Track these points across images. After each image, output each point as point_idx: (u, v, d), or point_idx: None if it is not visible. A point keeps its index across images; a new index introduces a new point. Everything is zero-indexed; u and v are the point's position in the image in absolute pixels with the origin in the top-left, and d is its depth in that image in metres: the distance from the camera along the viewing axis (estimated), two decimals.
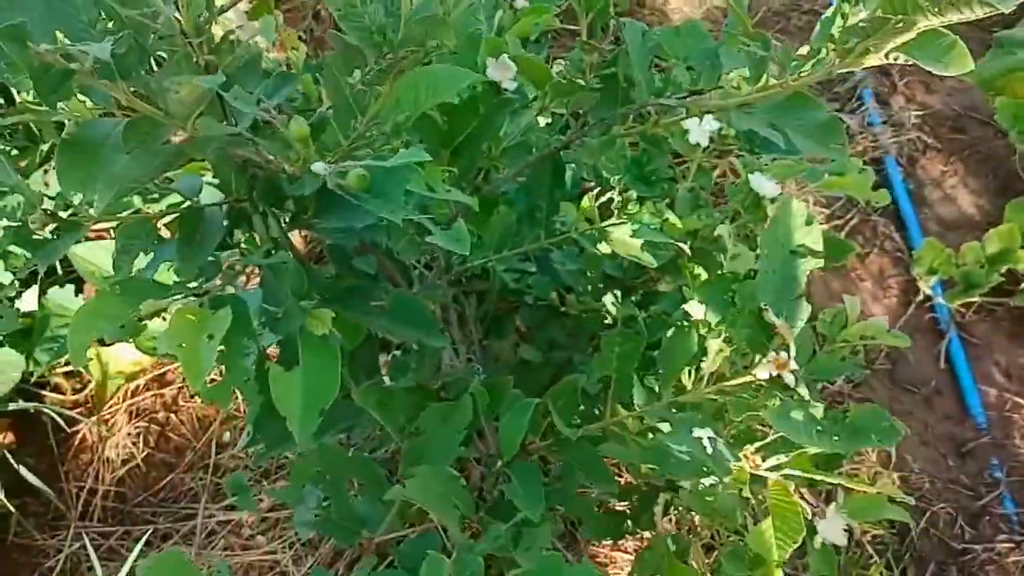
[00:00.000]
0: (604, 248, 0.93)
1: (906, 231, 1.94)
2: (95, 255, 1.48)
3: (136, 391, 1.60)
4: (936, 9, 0.55)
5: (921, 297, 1.79)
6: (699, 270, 0.88)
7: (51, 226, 0.63)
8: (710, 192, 1.12)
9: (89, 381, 1.59)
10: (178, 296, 0.61)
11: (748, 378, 0.62)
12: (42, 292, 1.53)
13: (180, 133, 0.60)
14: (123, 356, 1.58)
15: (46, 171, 1.67)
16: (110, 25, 0.59)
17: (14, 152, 1.80)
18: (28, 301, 1.51)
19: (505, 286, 1.11)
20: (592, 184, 1.06)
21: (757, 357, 0.62)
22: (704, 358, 0.65)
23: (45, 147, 1.78)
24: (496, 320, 1.17)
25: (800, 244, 0.65)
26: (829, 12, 0.65)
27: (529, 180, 0.92)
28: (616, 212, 1.00)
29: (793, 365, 0.59)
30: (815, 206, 1.99)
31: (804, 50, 0.72)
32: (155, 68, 0.63)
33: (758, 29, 0.75)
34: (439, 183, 0.63)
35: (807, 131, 0.64)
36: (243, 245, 0.74)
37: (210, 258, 0.67)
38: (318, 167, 0.48)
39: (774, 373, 0.59)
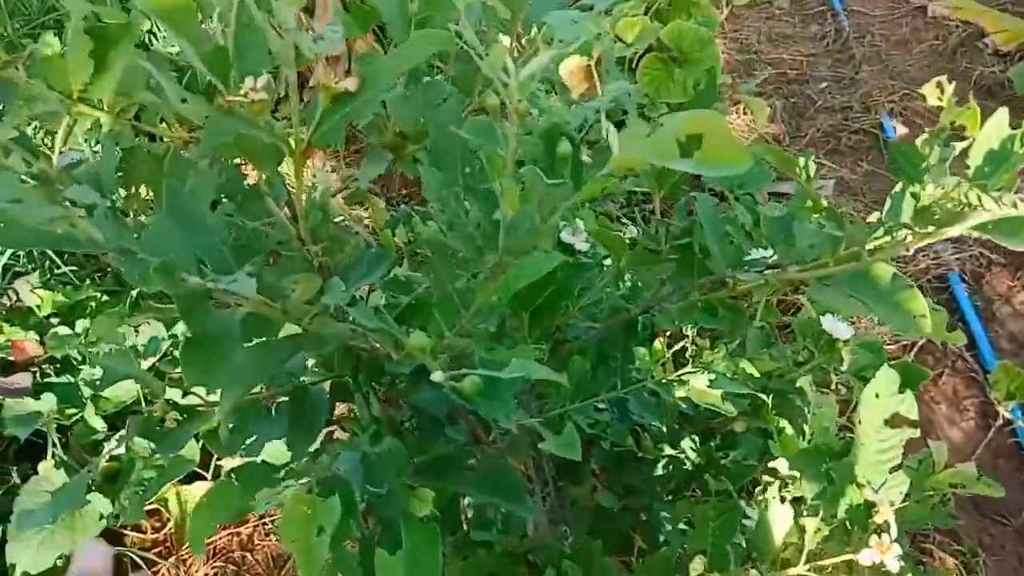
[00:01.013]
0: (680, 394, 0.95)
1: (977, 350, 1.90)
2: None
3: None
4: (999, 199, 0.57)
5: (1001, 420, 1.74)
6: (783, 423, 0.89)
7: (174, 415, 0.67)
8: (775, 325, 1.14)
9: (168, 520, 1.63)
10: (290, 483, 0.63)
11: (848, 557, 0.61)
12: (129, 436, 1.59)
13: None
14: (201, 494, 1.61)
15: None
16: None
17: (104, 298, 1.91)
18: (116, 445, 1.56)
19: (580, 432, 1.12)
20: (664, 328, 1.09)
21: (856, 532, 0.62)
22: (801, 536, 0.65)
23: (134, 293, 1.88)
24: (571, 464, 1.18)
25: (895, 413, 0.65)
26: (898, 188, 0.68)
27: (603, 331, 0.95)
28: (691, 360, 1.02)
29: (897, 550, 0.59)
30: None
31: (874, 216, 0.75)
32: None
33: (809, 151, 0.78)
34: (530, 359, 0.66)
35: (888, 304, 0.66)
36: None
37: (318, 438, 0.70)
38: (437, 376, 0.52)
39: (877, 560, 0.58)
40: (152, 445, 1.56)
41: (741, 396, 0.95)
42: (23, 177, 0.68)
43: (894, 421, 0.64)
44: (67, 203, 0.69)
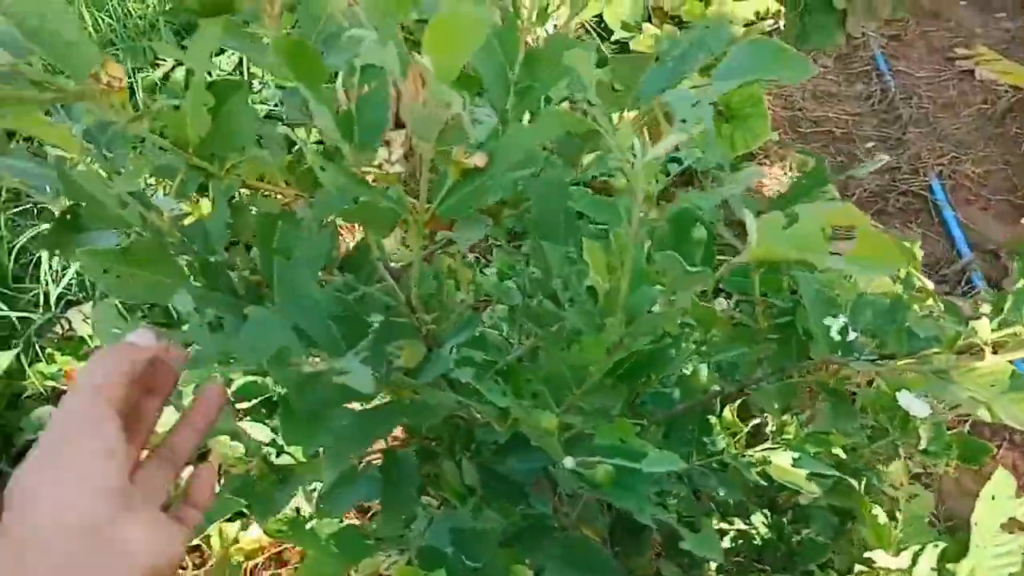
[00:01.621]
0: (756, 469, 0.93)
1: None
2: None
3: (254, 570, 1.61)
4: None
5: None
6: (875, 509, 0.86)
7: (270, 476, 0.66)
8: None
9: (209, 557, 1.61)
10: (389, 553, 0.62)
11: None
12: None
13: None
14: (244, 533, 1.60)
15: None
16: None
17: None
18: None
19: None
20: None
21: None
22: None
23: (185, 326, 1.89)
24: (632, 531, 1.16)
25: (1011, 517, 0.63)
26: (1020, 284, 0.67)
27: (687, 406, 0.94)
28: (771, 435, 1.00)
29: None
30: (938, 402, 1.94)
31: (987, 307, 0.73)
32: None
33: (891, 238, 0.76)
34: (631, 436, 0.65)
35: (1008, 402, 0.64)
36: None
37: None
38: (568, 462, 0.51)
39: None
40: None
41: (824, 476, 0.92)
42: (137, 230, 0.68)
43: (1011, 526, 0.62)
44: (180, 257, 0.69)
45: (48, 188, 0.69)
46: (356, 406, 0.62)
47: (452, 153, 0.59)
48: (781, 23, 2.70)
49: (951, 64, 3.33)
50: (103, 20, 2.82)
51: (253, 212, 0.71)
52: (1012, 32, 3.50)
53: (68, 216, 0.68)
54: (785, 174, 2.74)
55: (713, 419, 0.97)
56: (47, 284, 1.98)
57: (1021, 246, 0.72)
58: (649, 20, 3.32)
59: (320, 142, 0.82)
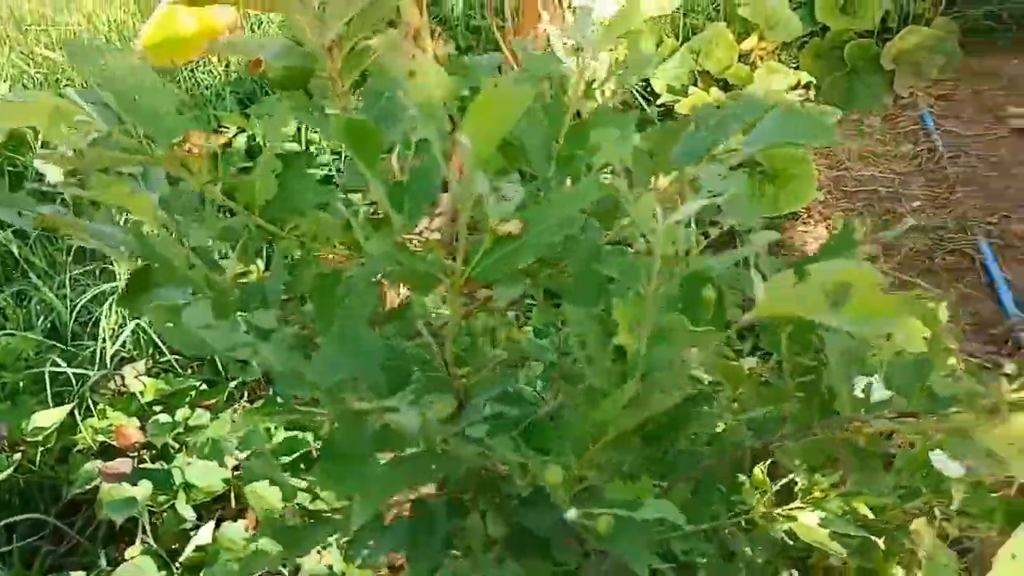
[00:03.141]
0: (783, 527, 0.94)
1: None
2: (269, 492, 1.57)
3: None
4: None
5: None
6: (898, 571, 0.86)
7: (302, 519, 0.70)
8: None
9: None
10: None
11: None
12: (216, 526, 1.63)
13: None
14: None
15: (235, 410, 1.85)
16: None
17: (203, 387, 1.99)
18: (203, 535, 1.60)
19: (674, 559, 1.11)
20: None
21: None
22: None
23: (232, 385, 1.96)
24: None
25: None
26: None
27: (713, 464, 0.95)
28: (800, 494, 1.00)
29: None
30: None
31: (1010, 367, 0.75)
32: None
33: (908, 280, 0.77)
34: (650, 494, 0.67)
35: None
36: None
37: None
38: (572, 514, 0.54)
39: None
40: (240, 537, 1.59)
41: (850, 536, 0.93)
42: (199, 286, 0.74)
43: None
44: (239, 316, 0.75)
45: (123, 249, 0.76)
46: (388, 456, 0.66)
47: (488, 221, 0.63)
48: (811, 93, 2.73)
49: (1001, 123, 3.32)
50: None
51: (310, 271, 0.77)
52: None
53: (140, 275, 0.75)
54: (829, 234, 2.74)
55: (743, 477, 0.98)
56: (104, 342, 2.08)
57: None
58: (695, 84, 3.39)
59: (373, 203, 0.87)
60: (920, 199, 2.94)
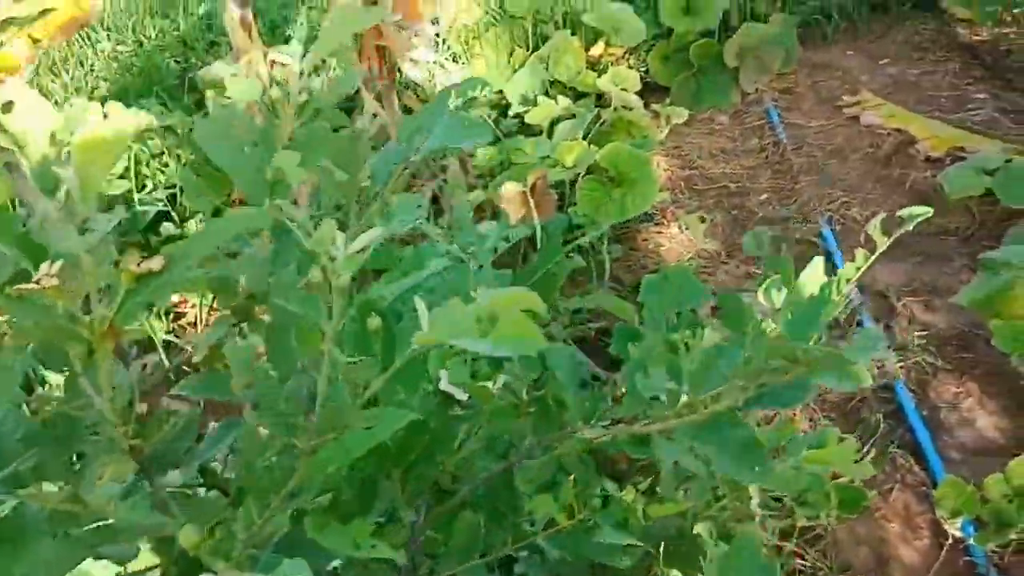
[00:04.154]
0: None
1: (927, 462, 1.86)
2: None
3: None
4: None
5: (951, 540, 1.68)
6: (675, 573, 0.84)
7: None
8: None
9: None
10: None
11: None
12: None
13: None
14: None
15: None
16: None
17: None
18: None
19: None
20: None
21: None
22: None
23: None
24: None
25: None
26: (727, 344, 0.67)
27: (483, 485, 0.92)
28: (595, 509, 0.97)
29: None
30: None
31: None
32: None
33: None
34: (365, 540, 0.63)
35: (729, 452, 0.64)
36: None
37: None
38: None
39: None
40: None
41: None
42: None
43: None
44: None
45: None
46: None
47: (122, 262, 0.58)
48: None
49: (839, 112, 3.46)
50: None
51: None
52: (895, 77, 3.66)
53: None
54: (681, 232, 2.79)
55: (545, 498, 0.95)
56: None
57: None
58: (547, 93, 3.41)
59: None
60: (767, 191, 3.03)
